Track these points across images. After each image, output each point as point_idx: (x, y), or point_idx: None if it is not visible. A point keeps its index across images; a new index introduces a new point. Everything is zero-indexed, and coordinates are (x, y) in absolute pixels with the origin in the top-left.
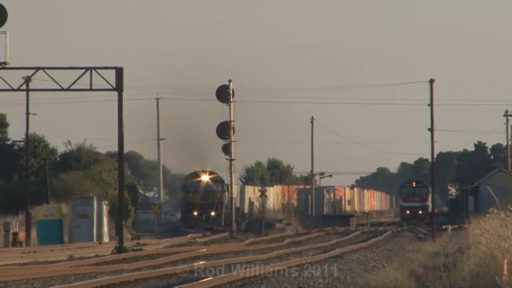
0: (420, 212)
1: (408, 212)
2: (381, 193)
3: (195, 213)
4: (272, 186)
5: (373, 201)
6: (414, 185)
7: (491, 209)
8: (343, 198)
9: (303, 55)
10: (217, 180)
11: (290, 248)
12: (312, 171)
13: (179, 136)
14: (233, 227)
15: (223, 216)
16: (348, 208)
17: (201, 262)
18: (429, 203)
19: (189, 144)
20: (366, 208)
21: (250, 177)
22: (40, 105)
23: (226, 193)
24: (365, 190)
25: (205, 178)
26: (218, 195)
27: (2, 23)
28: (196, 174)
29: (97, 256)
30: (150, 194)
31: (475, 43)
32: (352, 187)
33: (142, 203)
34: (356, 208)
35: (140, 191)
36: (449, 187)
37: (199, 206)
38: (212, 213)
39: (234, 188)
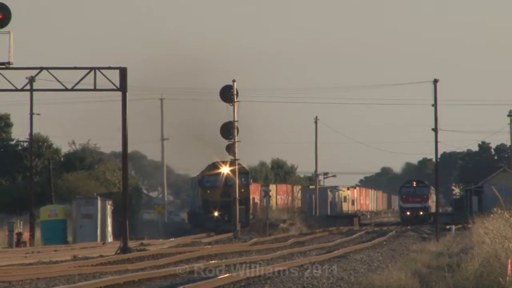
0: (421, 213)
1: (408, 213)
2: (378, 192)
3: (216, 214)
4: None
5: (368, 200)
6: (414, 185)
7: (495, 209)
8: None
9: (306, 55)
10: (240, 172)
11: (294, 248)
12: (316, 171)
13: (188, 131)
14: (237, 227)
15: (250, 216)
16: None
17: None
18: (431, 204)
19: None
20: (356, 208)
21: (254, 177)
22: (44, 105)
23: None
24: (352, 188)
25: (225, 170)
26: (243, 190)
27: (6, 23)
28: (214, 166)
29: (101, 256)
30: (154, 194)
31: (479, 42)
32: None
33: (146, 203)
34: (343, 208)
35: (144, 191)
36: (453, 187)
37: (220, 205)
38: None
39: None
